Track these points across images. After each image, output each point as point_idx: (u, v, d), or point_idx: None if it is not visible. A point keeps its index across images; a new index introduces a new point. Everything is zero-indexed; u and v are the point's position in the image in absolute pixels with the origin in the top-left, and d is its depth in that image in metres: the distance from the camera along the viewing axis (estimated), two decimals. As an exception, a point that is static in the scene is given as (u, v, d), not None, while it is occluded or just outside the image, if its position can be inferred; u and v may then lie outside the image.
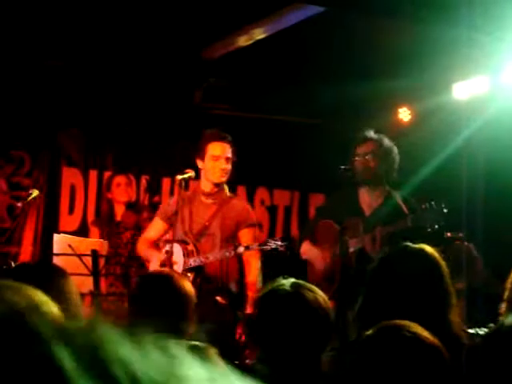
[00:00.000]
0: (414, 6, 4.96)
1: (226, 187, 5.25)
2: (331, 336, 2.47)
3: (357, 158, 5.05)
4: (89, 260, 4.93)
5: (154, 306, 2.86)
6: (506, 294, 3.10)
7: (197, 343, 2.41)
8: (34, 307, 0.99)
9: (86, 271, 4.90)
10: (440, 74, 6.15)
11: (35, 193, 5.64)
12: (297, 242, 5.31)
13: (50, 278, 2.32)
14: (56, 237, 5.56)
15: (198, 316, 3.02)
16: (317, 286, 2.58)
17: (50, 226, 6.81)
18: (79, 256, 4.94)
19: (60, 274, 2.43)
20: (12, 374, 0.50)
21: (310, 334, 2.37)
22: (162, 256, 5.11)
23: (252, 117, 7.48)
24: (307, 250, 5.18)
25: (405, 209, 4.90)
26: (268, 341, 2.39)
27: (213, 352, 2.36)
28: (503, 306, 3.09)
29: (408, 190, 5.22)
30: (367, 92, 6.33)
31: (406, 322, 1.94)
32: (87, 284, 4.87)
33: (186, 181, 5.12)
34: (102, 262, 5.05)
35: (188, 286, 3.03)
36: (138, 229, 6.17)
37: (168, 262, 4.92)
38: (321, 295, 2.45)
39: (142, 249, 5.36)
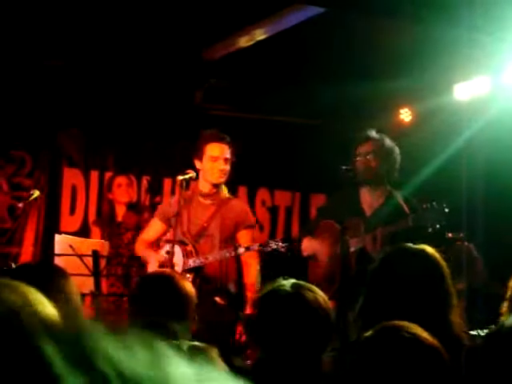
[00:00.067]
0: (414, 6, 4.96)
1: (224, 188, 5.24)
2: (332, 336, 2.47)
3: (358, 158, 5.05)
4: (90, 260, 4.93)
5: (154, 306, 2.86)
6: (509, 293, 3.10)
7: (197, 343, 2.41)
8: (28, 306, 1.00)
9: (86, 272, 4.90)
10: (441, 75, 6.15)
11: (36, 193, 5.64)
12: (297, 242, 5.30)
13: (51, 278, 2.32)
14: (57, 237, 5.56)
15: (197, 316, 3.02)
16: (317, 286, 2.58)
17: (51, 227, 6.81)
18: (80, 256, 4.94)
19: (61, 274, 2.43)
20: (4, 370, 0.51)
21: (311, 335, 2.37)
22: (161, 257, 5.11)
23: (253, 117, 7.48)
24: (308, 245, 5.16)
25: (406, 209, 4.90)
26: (268, 341, 2.39)
27: (214, 352, 2.36)
28: (505, 305, 3.09)
29: (409, 191, 5.21)
30: (368, 92, 6.33)
31: (406, 323, 1.94)
32: (88, 284, 4.87)
33: (187, 181, 5.12)
34: (102, 262, 5.05)
35: (189, 286, 3.03)
36: (139, 229, 6.16)
37: (169, 262, 4.91)
38: (321, 295, 2.45)
39: (140, 249, 5.36)
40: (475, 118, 5.89)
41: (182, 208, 5.06)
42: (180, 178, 5.05)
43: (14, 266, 4.86)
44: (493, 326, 2.20)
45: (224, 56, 6.50)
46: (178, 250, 5.04)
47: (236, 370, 2.39)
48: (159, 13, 5.80)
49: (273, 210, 7.81)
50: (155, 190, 7.35)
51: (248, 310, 4.92)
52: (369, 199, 5.08)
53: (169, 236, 5.18)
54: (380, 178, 5.04)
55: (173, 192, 6.83)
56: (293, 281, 2.47)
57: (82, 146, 7.14)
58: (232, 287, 5.10)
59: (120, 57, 6.53)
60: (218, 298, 5.01)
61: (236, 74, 6.96)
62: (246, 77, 6.99)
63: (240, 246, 4.98)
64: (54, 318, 1.09)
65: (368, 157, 5.02)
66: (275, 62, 6.56)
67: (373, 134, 5.08)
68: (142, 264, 5.58)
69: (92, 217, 7.12)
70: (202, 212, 5.17)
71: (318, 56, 6.24)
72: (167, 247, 5.04)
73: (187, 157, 5.41)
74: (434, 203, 4.72)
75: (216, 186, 5.15)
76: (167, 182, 7.34)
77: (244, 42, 6.17)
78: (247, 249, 4.92)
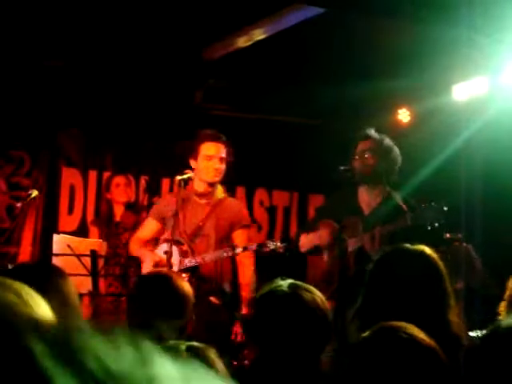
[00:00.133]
0: (414, 6, 4.96)
1: (220, 187, 5.24)
2: (330, 336, 2.47)
3: (356, 156, 5.04)
4: (88, 260, 4.93)
5: (152, 305, 2.87)
6: (507, 293, 3.10)
7: (195, 343, 2.40)
8: (20, 305, 1.00)
9: (84, 271, 4.90)
10: (440, 75, 6.15)
11: (34, 193, 5.64)
12: (295, 241, 5.28)
13: (49, 278, 2.32)
14: (55, 237, 5.56)
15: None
16: (315, 286, 2.58)
17: (50, 227, 6.81)
18: (78, 256, 4.94)
19: (59, 274, 2.43)
20: None
21: (308, 335, 2.37)
22: (156, 256, 5.11)
23: (252, 117, 7.48)
24: (306, 241, 5.11)
25: (404, 208, 4.88)
26: (266, 341, 2.39)
27: (212, 352, 2.35)
28: (502, 305, 3.09)
29: (407, 191, 5.21)
30: (367, 92, 6.33)
31: (403, 324, 1.94)
32: (86, 284, 4.87)
33: (186, 181, 5.12)
34: (101, 262, 5.05)
35: (186, 286, 3.03)
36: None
37: (167, 262, 4.91)
38: (319, 296, 2.45)
39: (135, 248, 5.36)
40: (473, 118, 5.90)
41: (180, 208, 5.06)
42: (178, 178, 5.05)
43: (10, 266, 4.86)
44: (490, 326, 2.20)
45: (223, 56, 6.50)
46: (174, 249, 5.04)
47: (234, 370, 2.39)
48: (159, 13, 5.80)
49: (271, 210, 7.81)
50: (153, 189, 7.35)
51: (243, 310, 4.92)
52: (367, 198, 5.07)
53: (167, 236, 5.18)
54: (378, 176, 5.01)
55: (171, 192, 6.83)
56: (290, 281, 2.47)
57: (81, 146, 7.14)
58: (227, 287, 5.10)
59: (119, 57, 6.53)
60: (212, 298, 5.01)
61: (235, 73, 6.96)
62: (245, 77, 6.99)
63: (237, 246, 4.98)
64: (46, 318, 1.09)
65: (366, 154, 5.00)
66: (275, 61, 6.56)
67: (372, 132, 5.07)
68: (139, 264, 5.58)
69: (90, 217, 7.11)
70: (197, 212, 5.16)
71: (318, 56, 6.24)
72: (165, 247, 5.04)
73: (186, 157, 5.41)
74: (433, 203, 4.71)
75: (211, 185, 5.14)
76: (165, 182, 7.34)
77: (243, 41, 6.17)
78: (245, 249, 4.91)
